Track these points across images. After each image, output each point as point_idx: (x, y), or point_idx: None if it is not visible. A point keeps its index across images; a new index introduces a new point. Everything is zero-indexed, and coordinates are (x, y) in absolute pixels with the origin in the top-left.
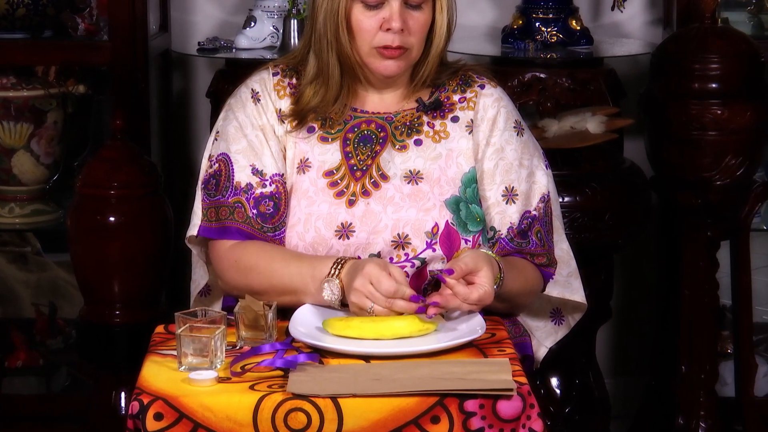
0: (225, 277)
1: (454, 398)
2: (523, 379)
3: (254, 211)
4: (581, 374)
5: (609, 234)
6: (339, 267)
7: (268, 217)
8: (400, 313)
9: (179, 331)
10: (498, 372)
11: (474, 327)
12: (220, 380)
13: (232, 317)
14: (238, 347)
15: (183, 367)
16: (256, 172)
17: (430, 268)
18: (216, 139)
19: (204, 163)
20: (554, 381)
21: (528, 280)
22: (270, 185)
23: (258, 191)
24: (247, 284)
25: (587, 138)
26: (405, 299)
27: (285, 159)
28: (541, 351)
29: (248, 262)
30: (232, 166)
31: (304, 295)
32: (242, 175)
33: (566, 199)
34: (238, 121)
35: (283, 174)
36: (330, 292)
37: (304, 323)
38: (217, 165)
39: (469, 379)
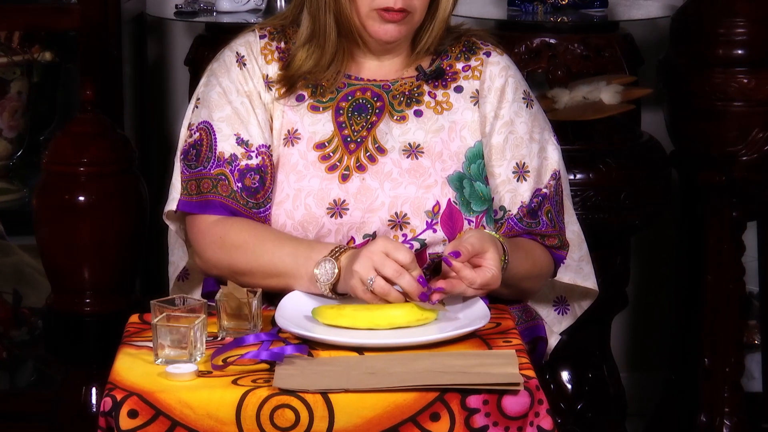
0: (206, 255)
1: (456, 393)
2: (531, 373)
3: (239, 185)
4: (595, 368)
5: (625, 214)
6: (340, 251)
7: (253, 191)
8: (405, 299)
9: (155, 320)
10: (504, 365)
11: (477, 316)
12: (200, 374)
13: (213, 305)
14: (219, 338)
15: (159, 360)
16: (241, 142)
17: (430, 251)
18: (197, 107)
19: (183, 133)
20: (565, 375)
21: (536, 263)
22: (256, 157)
23: (243, 163)
24: (230, 263)
25: (601, 109)
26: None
27: (272, 129)
28: (552, 339)
29: (235, 240)
30: (214, 135)
31: (294, 279)
32: (226, 145)
33: (578, 176)
34: (222, 87)
35: (269, 146)
36: (324, 271)
37: (292, 312)
38: (197, 134)
39: (471, 373)
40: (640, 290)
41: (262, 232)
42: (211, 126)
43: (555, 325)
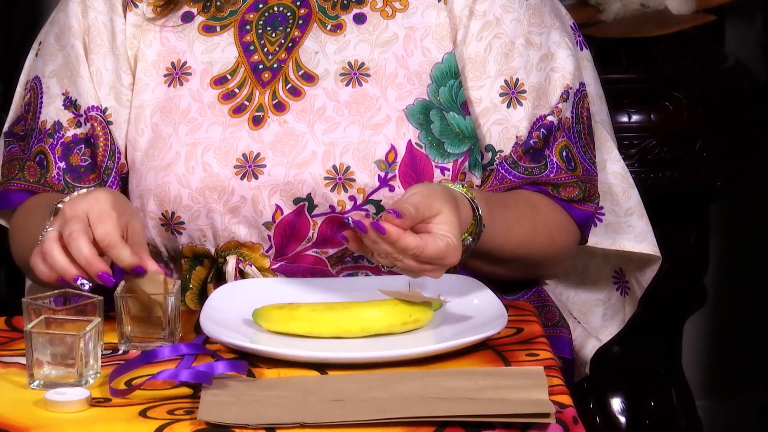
0: (16, 260)
1: (460, 429)
2: (568, 399)
3: (61, 165)
4: (659, 393)
5: (702, 173)
6: (59, 203)
7: (83, 172)
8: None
9: (29, 326)
10: (527, 388)
11: (489, 318)
12: (95, 402)
13: (113, 306)
14: (121, 351)
15: (36, 382)
16: (69, 103)
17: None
18: (36, 55)
19: (18, 92)
20: (617, 403)
21: (538, 226)
22: (85, 124)
23: (69, 133)
24: (24, 258)
25: (667, 22)
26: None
27: (134, 72)
28: (589, 346)
29: (19, 222)
30: (41, 96)
31: None
32: (50, 110)
33: (634, 118)
34: (59, 26)
35: (106, 109)
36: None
37: (225, 314)
38: (28, 95)
39: (481, 400)
40: (724, 281)
41: (41, 201)
42: (40, 84)
43: (619, 312)
